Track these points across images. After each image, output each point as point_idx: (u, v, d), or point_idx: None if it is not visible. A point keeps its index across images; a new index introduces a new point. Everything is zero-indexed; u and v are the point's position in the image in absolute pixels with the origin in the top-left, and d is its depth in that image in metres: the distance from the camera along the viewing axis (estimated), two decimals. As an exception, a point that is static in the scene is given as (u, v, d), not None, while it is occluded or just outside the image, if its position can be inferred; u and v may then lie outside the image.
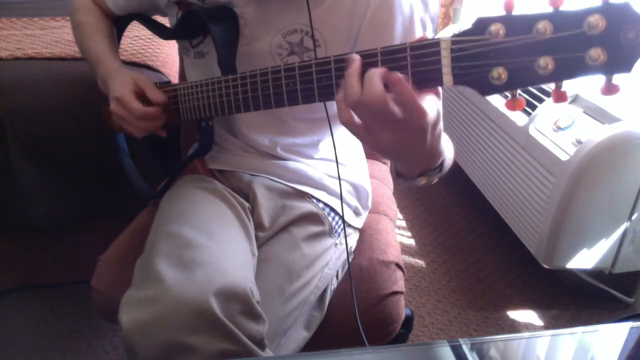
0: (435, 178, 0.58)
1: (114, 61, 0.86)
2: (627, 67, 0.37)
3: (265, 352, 0.64)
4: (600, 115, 1.27)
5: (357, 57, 0.49)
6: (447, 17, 2.25)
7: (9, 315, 1.40)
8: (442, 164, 0.57)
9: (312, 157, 0.87)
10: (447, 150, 0.59)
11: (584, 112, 1.32)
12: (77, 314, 1.39)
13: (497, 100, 1.60)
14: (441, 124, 0.50)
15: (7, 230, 1.35)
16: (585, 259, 1.35)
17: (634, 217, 1.30)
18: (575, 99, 1.37)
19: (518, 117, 1.47)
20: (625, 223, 1.31)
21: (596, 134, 1.21)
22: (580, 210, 1.26)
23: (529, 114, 1.44)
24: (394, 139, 0.48)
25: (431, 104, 0.47)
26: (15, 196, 1.26)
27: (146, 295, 0.61)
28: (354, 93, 0.47)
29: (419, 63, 0.46)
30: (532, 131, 1.39)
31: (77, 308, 1.40)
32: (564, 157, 1.25)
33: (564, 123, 1.32)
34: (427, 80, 0.46)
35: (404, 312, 0.86)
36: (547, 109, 1.39)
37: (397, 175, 0.60)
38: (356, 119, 0.48)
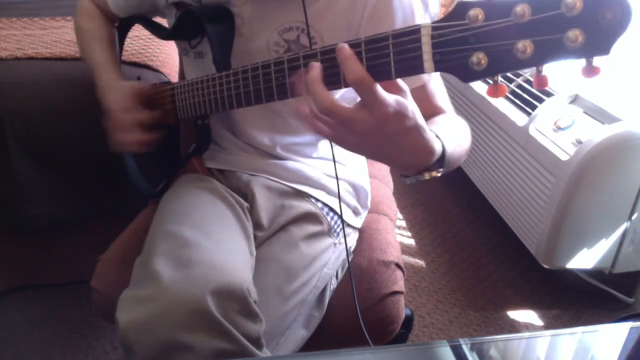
0: (439, 173, 0.56)
1: (110, 74, 0.86)
2: (605, 48, 0.37)
3: (263, 351, 0.64)
4: (600, 115, 1.27)
5: (316, 65, 0.49)
6: (447, 17, 2.25)
7: (9, 315, 1.40)
8: (441, 160, 0.55)
9: (310, 157, 0.88)
10: (451, 143, 0.58)
11: (584, 112, 1.32)
12: (77, 314, 1.39)
13: (497, 100, 1.59)
14: (415, 119, 0.49)
15: (7, 230, 1.35)
16: (585, 259, 1.35)
17: (634, 217, 1.30)
18: (575, 99, 1.37)
19: (518, 117, 1.47)
20: (625, 223, 1.31)
21: (596, 134, 1.21)
22: (580, 210, 1.26)
23: (529, 114, 1.44)
24: (360, 141, 0.49)
25: (391, 96, 0.47)
26: (15, 196, 1.26)
27: (143, 294, 0.61)
28: (324, 100, 0.48)
29: (400, 50, 0.46)
30: (532, 131, 1.39)
31: (77, 308, 1.40)
32: (564, 157, 1.25)
33: (564, 123, 1.32)
34: (409, 67, 0.46)
35: (403, 312, 0.86)
36: (547, 109, 1.39)
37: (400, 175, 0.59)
38: (324, 127, 0.49)
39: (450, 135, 0.60)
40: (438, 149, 0.53)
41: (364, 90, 0.46)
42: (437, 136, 0.55)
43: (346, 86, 0.49)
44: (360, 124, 0.47)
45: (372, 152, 0.52)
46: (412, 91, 0.75)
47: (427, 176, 0.55)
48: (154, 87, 0.87)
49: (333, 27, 0.72)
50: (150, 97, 0.85)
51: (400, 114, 0.47)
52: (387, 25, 0.70)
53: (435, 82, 0.76)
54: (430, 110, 0.74)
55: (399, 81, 0.49)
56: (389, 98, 0.47)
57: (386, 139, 0.49)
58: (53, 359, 1.28)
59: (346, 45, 0.47)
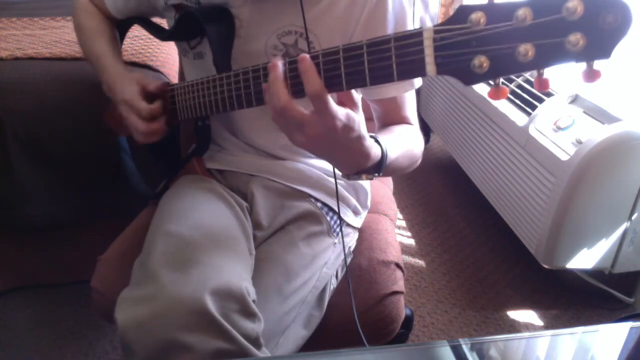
0: (374, 177, 0.61)
1: (117, 65, 0.86)
2: (606, 52, 0.37)
3: (261, 351, 0.64)
4: (600, 115, 1.27)
5: (278, 63, 0.52)
6: (447, 17, 2.25)
7: (9, 315, 1.40)
8: (379, 166, 0.60)
9: (310, 157, 0.88)
10: (394, 152, 0.64)
11: (584, 112, 1.32)
12: (77, 314, 1.39)
13: (497, 100, 1.59)
14: (359, 130, 0.54)
15: (7, 230, 1.35)
16: (585, 259, 1.35)
17: (634, 217, 1.30)
18: (575, 99, 1.37)
19: (518, 117, 1.47)
20: (625, 223, 1.31)
21: (596, 134, 1.21)
22: (580, 210, 1.26)
23: (529, 114, 1.44)
24: (307, 142, 0.53)
25: (342, 110, 0.51)
26: (15, 196, 1.26)
27: (142, 294, 0.61)
28: (280, 99, 0.51)
29: (402, 54, 0.46)
30: (532, 131, 1.39)
31: (77, 308, 1.40)
32: (564, 157, 1.25)
33: (564, 123, 1.32)
34: (411, 70, 0.46)
35: (403, 312, 0.86)
36: (547, 109, 1.39)
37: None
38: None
39: (396, 145, 0.66)
40: (375, 155, 0.59)
41: (319, 102, 0.50)
42: (379, 144, 0.60)
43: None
44: (311, 129, 0.52)
45: (315, 151, 0.58)
46: (383, 100, 0.77)
47: (364, 177, 0.60)
48: (160, 85, 0.87)
49: (330, 32, 0.73)
50: (154, 95, 0.85)
51: (348, 127, 0.52)
52: (381, 31, 0.71)
53: (407, 94, 0.78)
54: (395, 119, 0.79)
55: (354, 95, 0.53)
56: (340, 112, 0.51)
57: (332, 144, 0.54)
58: (53, 359, 1.28)
59: (307, 57, 0.50)
